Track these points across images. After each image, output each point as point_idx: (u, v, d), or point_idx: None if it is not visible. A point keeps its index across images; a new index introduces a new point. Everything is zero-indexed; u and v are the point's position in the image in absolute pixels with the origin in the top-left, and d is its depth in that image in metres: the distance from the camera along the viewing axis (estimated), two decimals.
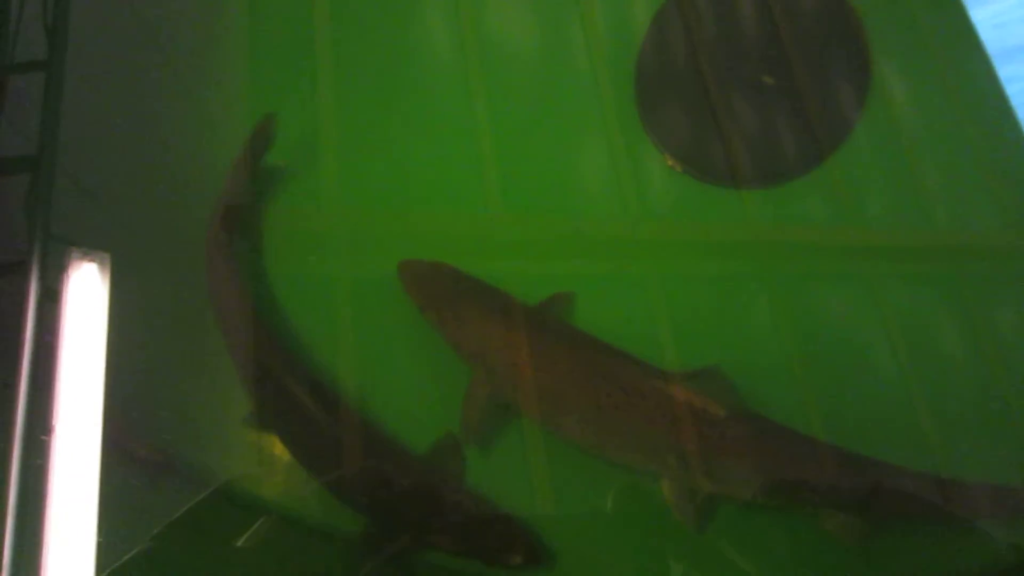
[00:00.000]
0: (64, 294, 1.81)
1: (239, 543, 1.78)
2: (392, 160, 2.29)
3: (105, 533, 1.62)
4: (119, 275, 1.86)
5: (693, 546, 2.00)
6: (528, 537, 1.89)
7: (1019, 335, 2.57)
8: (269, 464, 1.92)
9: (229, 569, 1.77)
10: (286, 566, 1.83)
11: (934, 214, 2.63)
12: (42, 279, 1.83)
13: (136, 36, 2.37)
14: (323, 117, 2.27)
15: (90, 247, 1.88)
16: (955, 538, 2.07)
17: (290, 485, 1.92)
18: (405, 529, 1.89)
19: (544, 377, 2.01)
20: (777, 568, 2.03)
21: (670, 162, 2.49)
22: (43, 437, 1.66)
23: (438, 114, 2.38)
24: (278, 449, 1.94)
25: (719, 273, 2.42)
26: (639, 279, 2.35)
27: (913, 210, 2.63)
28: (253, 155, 2.23)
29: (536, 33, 2.61)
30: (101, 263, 1.89)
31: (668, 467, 1.97)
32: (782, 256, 2.50)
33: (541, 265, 2.33)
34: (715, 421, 1.97)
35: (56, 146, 2.00)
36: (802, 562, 2.02)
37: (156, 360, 2.00)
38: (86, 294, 1.84)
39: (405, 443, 2.00)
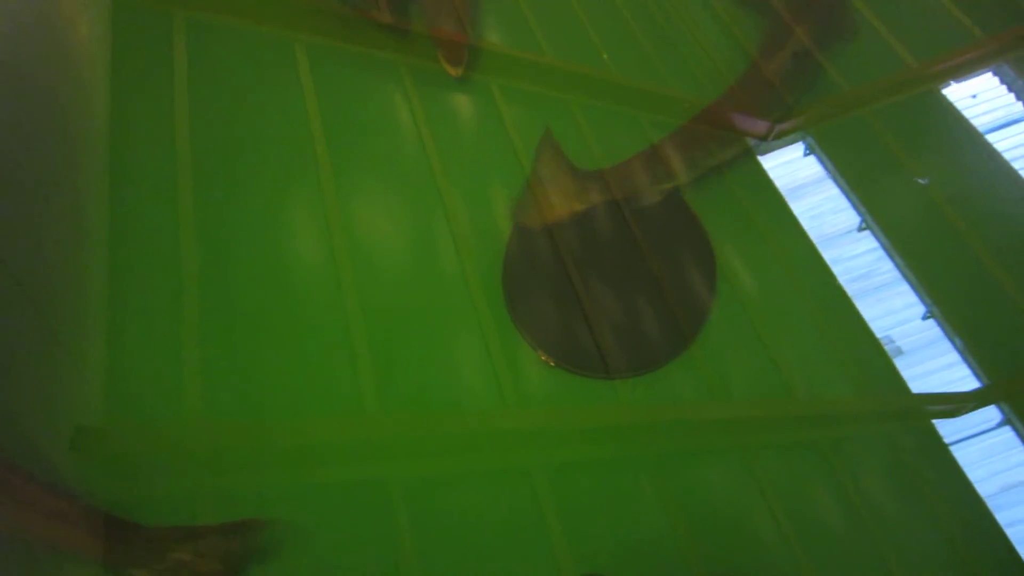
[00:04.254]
0: None
1: None
2: (262, 369, 2.18)
3: None
4: None
5: None
6: None
7: (888, 496, 2.72)
8: None
9: None
10: None
11: (794, 385, 2.82)
12: None
13: None
14: (187, 329, 2.13)
15: None
16: None
17: None
18: None
19: None
20: None
21: (543, 357, 2.55)
22: None
23: (309, 320, 2.31)
24: None
25: (598, 458, 2.42)
26: (522, 470, 2.32)
27: (773, 383, 2.80)
28: None
29: (404, 234, 2.66)
30: None
31: None
32: (658, 436, 2.56)
33: (423, 464, 2.27)
34: None
35: None
36: None
37: None
38: None
39: None
